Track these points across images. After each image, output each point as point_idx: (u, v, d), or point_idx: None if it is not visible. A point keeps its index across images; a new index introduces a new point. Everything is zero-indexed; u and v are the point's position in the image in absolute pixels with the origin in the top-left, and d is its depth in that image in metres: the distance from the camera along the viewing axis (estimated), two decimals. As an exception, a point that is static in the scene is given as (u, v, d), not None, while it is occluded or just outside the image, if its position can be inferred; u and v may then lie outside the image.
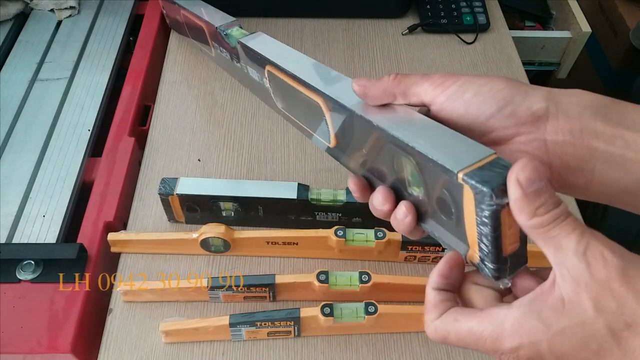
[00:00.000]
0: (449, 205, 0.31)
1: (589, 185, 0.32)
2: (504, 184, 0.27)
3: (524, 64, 0.85)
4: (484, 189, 0.27)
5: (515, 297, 0.30)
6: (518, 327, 0.27)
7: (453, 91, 0.33)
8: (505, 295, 0.32)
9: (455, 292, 0.32)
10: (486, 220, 0.28)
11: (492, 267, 0.29)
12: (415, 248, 0.58)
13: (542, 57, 1.01)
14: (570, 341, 0.26)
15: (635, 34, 1.15)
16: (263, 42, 0.50)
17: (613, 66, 1.26)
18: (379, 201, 0.35)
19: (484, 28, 0.88)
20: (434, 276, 0.32)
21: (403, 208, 0.34)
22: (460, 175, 0.28)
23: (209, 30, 0.64)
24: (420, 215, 0.34)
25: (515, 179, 0.27)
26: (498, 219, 0.28)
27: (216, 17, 0.62)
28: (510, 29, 0.91)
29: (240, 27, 0.58)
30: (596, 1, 1.29)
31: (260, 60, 0.49)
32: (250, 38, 0.52)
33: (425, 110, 0.35)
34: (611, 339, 0.25)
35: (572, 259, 0.26)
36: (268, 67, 0.47)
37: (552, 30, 1.02)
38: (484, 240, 0.29)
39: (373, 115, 0.35)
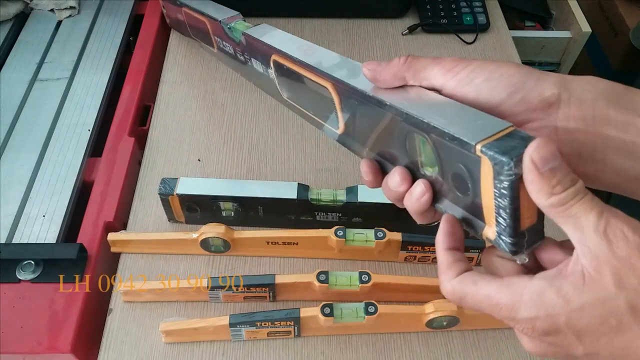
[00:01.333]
0: (466, 180, 0.30)
1: (600, 174, 0.31)
2: (522, 154, 0.27)
3: (524, 64, 0.84)
4: (503, 159, 0.27)
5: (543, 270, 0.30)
6: (537, 299, 0.27)
7: (464, 76, 0.33)
8: (531, 270, 0.31)
9: (463, 252, 0.32)
10: (505, 192, 0.28)
11: (509, 241, 0.29)
12: (415, 248, 0.58)
13: (542, 57, 1.01)
14: (589, 317, 0.26)
15: (635, 34, 1.15)
16: (268, 33, 0.50)
17: (613, 66, 1.26)
18: (395, 182, 0.35)
19: (484, 28, 0.88)
20: (442, 236, 0.32)
21: (421, 186, 0.34)
22: (479, 147, 0.28)
23: (212, 25, 0.64)
24: (433, 195, 0.34)
25: (530, 159, 0.26)
26: (517, 189, 0.27)
27: (219, 12, 0.63)
28: (510, 29, 0.91)
29: (244, 20, 0.58)
30: (596, 1, 1.29)
31: (266, 50, 0.49)
32: (255, 29, 0.52)
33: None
34: (631, 315, 0.25)
35: (592, 237, 0.26)
36: (274, 57, 0.47)
37: (552, 30, 1.02)
38: (502, 213, 0.29)
39: (384, 95, 0.35)
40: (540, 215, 0.29)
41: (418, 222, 0.35)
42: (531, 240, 0.30)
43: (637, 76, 1.09)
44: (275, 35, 0.49)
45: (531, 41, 0.97)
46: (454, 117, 0.31)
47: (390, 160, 0.37)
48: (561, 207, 0.26)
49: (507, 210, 0.28)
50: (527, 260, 0.30)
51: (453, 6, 0.89)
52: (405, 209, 0.36)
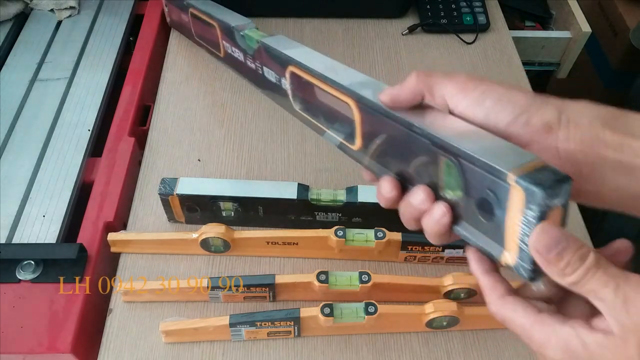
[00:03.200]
0: (492, 206, 0.31)
1: (600, 193, 0.33)
2: (553, 186, 0.28)
3: (524, 64, 0.85)
4: (536, 189, 0.28)
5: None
6: (563, 345, 0.29)
7: (474, 97, 0.34)
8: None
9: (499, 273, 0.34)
10: (533, 220, 0.29)
11: (529, 267, 0.30)
12: (415, 248, 0.58)
13: (542, 57, 1.01)
14: None
15: (635, 34, 1.15)
16: (285, 44, 0.50)
17: (613, 66, 1.26)
18: (419, 199, 0.35)
19: (484, 28, 0.88)
20: (475, 263, 0.34)
21: (442, 207, 0.34)
22: (513, 176, 0.29)
23: (222, 31, 0.64)
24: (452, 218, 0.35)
25: (535, 250, 0.29)
26: (544, 220, 0.29)
27: (231, 17, 0.62)
28: (510, 29, 0.91)
29: (257, 28, 0.58)
30: (596, 1, 1.29)
31: (282, 61, 0.49)
32: (272, 39, 0.52)
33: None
34: None
35: (613, 309, 0.28)
36: (291, 68, 0.47)
37: (552, 30, 1.02)
38: (526, 240, 0.30)
39: (411, 117, 0.36)
40: None
41: (433, 243, 0.36)
42: None
43: (637, 76, 1.09)
44: (292, 46, 0.49)
45: (531, 41, 0.97)
46: (484, 144, 0.32)
47: (407, 180, 0.38)
48: (577, 286, 0.29)
49: None
50: (542, 288, 0.32)
51: (453, 6, 0.89)
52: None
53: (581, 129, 0.32)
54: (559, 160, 0.33)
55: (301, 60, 0.46)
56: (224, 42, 0.65)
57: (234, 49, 0.62)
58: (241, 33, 0.58)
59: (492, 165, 0.30)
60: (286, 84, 0.49)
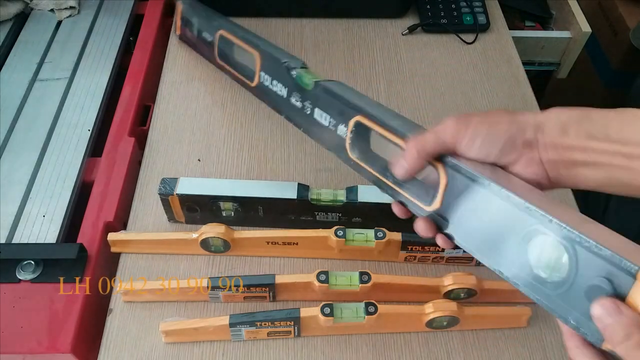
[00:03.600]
0: (605, 292, 0.32)
1: (575, 183, 0.40)
2: None
3: (524, 64, 0.85)
4: None
5: None
6: None
7: (467, 141, 0.40)
8: None
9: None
10: None
11: None
12: (416, 248, 0.58)
13: (542, 57, 1.01)
14: None
15: (635, 34, 1.15)
16: (350, 91, 0.51)
17: (613, 66, 1.26)
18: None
19: (484, 28, 0.88)
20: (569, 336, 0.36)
21: None
22: None
23: (265, 62, 0.62)
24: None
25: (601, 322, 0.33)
26: None
27: (279, 52, 0.61)
28: (510, 29, 0.91)
29: (307, 67, 0.58)
30: (596, 1, 1.29)
31: (348, 109, 0.49)
32: (333, 84, 0.53)
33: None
34: None
35: None
36: (359, 118, 0.48)
37: (552, 30, 1.02)
38: None
39: (519, 194, 0.36)
40: None
41: None
42: None
43: (637, 76, 1.09)
44: (358, 95, 0.50)
45: (531, 41, 0.97)
46: (600, 236, 0.33)
47: (489, 251, 0.38)
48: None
49: None
50: None
51: (453, 6, 0.89)
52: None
53: (551, 138, 0.39)
54: (542, 166, 0.39)
55: (378, 115, 0.47)
56: (262, 73, 0.63)
57: (275, 82, 0.61)
58: (293, 72, 0.57)
59: (622, 258, 0.31)
60: (346, 131, 0.49)
